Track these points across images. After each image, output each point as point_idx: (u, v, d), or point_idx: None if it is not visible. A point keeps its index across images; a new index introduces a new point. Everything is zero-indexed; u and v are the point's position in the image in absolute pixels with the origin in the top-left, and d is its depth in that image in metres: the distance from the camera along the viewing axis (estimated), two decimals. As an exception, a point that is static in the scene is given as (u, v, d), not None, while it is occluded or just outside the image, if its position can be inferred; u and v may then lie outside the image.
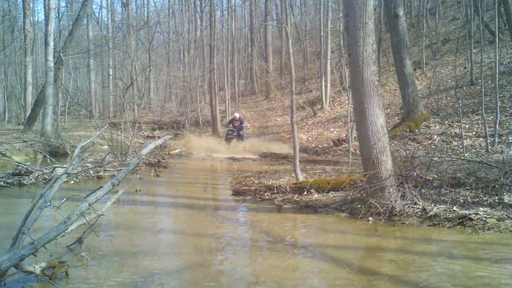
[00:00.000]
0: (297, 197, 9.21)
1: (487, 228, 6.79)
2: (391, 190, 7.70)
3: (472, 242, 6.36)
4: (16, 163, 13.14)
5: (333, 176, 10.89)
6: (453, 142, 13.81)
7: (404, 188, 7.83)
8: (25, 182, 11.79)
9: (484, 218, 6.98)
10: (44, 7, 26.39)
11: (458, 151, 12.93)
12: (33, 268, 5.01)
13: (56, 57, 22.57)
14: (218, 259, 6.20)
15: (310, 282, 5.24)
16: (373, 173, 7.78)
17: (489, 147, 12.50)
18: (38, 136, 20.85)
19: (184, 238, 7.35)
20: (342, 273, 5.34)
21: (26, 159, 16.05)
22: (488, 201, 7.73)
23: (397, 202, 7.59)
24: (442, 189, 8.36)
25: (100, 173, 12.83)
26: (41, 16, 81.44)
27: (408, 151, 9.55)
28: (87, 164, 13.34)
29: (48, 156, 13.54)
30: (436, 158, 10.63)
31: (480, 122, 14.09)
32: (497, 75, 13.30)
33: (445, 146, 13.71)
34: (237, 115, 22.24)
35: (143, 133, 25.46)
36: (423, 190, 8.17)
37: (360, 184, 8.27)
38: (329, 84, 24.32)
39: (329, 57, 24.70)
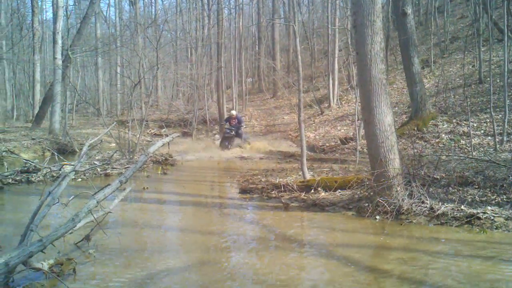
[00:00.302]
0: (304, 196, 9.20)
1: (495, 227, 6.76)
2: (398, 188, 7.68)
3: (480, 241, 6.34)
4: (24, 161, 13.21)
5: (340, 174, 10.87)
6: (461, 141, 13.74)
7: (412, 187, 7.79)
8: (33, 179, 11.84)
9: (492, 217, 6.95)
10: (52, 5, 26.49)
11: (466, 150, 12.86)
12: (41, 265, 5.04)
13: (64, 55, 22.66)
14: (225, 257, 6.20)
15: (317, 280, 5.23)
16: (380, 172, 7.75)
17: (498, 145, 12.44)
18: (46, 134, 20.94)
19: (191, 236, 7.36)
20: (349, 272, 5.33)
21: (34, 157, 16.13)
22: (496, 200, 7.70)
23: (405, 200, 7.56)
24: (450, 188, 8.33)
25: (107, 171, 12.87)
26: (49, 14, 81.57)
27: (416, 150, 9.49)
28: (95, 162, 13.39)
29: (56, 153, 13.62)
30: (444, 157, 10.58)
31: (488, 120, 14.02)
32: (505, 73, 13.21)
33: (453, 144, 13.65)
34: (234, 112, 20.48)
35: (150, 131, 25.50)
36: (430, 189, 8.13)
37: (367, 183, 8.24)
38: (336, 82, 24.24)
39: (336, 55, 24.61)
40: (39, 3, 34.12)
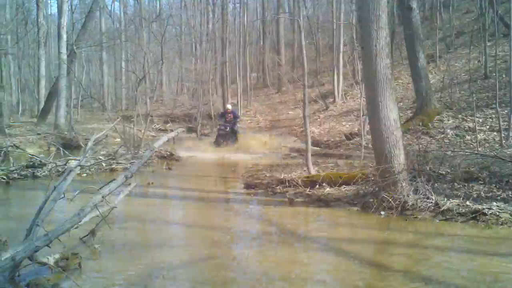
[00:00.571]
0: (309, 191, 9.18)
1: (500, 223, 6.74)
2: (403, 184, 7.67)
3: (485, 237, 6.33)
4: (29, 156, 13.24)
5: (345, 170, 10.85)
6: (467, 136, 13.68)
7: (417, 182, 7.78)
8: (38, 174, 11.87)
9: (497, 213, 6.93)
10: (57, 0, 26.49)
11: (471, 145, 12.80)
12: (46, 260, 5.05)
13: (69, 50, 22.68)
14: (230, 252, 6.22)
15: (321, 275, 5.25)
16: (385, 167, 7.74)
17: (503, 141, 12.38)
18: (51, 129, 20.99)
19: (196, 230, 7.39)
20: (354, 267, 5.33)
21: (39, 152, 16.15)
22: (502, 196, 7.68)
23: (410, 196, 7.55)
24: (455, 184, 8.31)
25: (112, 166, 12.88)
26: (54, 9, 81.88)
27: (421, 145, 9.48)
28: (100, 157, 13.40)
29: (61, 148, 13.66)
30: (449, 152, 10.54)
31: (494, 116, 13.94)
32: (511, 68, 13.13)
33: (458, 140, 13.59)
34: (229, 106, 19.76)
35: (155, 126, 25.50)
36: (436, 185, 8.12)
37: (372, 178, 8.23)
38: (341, 78, 24.16)
39: (341, 50, 24.53)
40: (44, -2, 34.14)
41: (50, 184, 6.87)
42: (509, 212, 6.96)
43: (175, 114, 29.34)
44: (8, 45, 29.63)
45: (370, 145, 11.47)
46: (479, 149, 12.08)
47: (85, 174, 11.83)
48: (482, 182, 8.37)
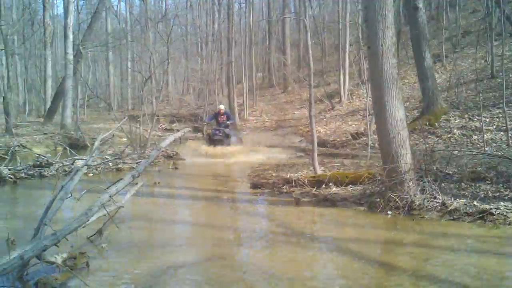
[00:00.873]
0: (315, 191, 9.17)
1: (508, 222, 6.70)
2: (410, 184, 7.65)
3: (493, 237, 6.31)
4: (36, 155, 13.32)
5: (352, 169, 10.83)
6: (473, 136, 13.64)
7: (424, 182, 7.75)
8: (45, 173, 11.93)
9: (505, 213, 6.89)
10: (63, 0, 26.59)
11: (478, 145, 12.76)
12: (54, 259, 5.07)
13: (75, 50, 22.78)
14: (236, 251, 6.23)
15: (328, 275, 5.24)
16: (392, 167, 7.72)
17: (510, 141, 12.33)
18: (58, 129, 21.10)
19: (202, 230, 7.40)
20: (361, 267, 5.32)
21: (46, 151, 16.23)
22: (509, 196, 7.64)
23: (417, 196, 7.53)
24: (462, 183, 8.28)
25: (119, 165, 12.92)
26: (60, 9, 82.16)
27: (427, 145, 9.46)
28: (107, 157, 13.44)
29: (68, 148, 13.70)
30: (456, 152, 10.50)
31: (501, 115, 13.89)
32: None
33: (465, 140, 13.55)
34: (222, 107, 18.12)
35: (161, 125, 25.56)
36: (443, 184, 8.10)
37: (379, 178, 8.21)
38: (347, 77, 24.13)
39: (347, 50, 24.52)
40: (50, -2, 34.27)
41: (57, 183, 6.92)
42: (516, 212, 6.93)
43: (181, 114, 29.42)
44: (14, 45, 29.75)
45: (376, 145, 11.47)
46: (486, 148, 12.05)
47: (91, 174, 11.87)
48: (489, 182, 8.34)
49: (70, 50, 22.15)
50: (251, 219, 7.98)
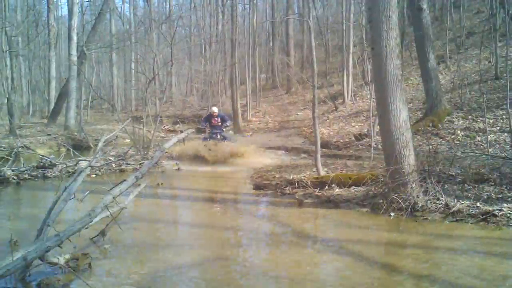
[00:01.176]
0: (318, 192, 9.15)
1: (511, 224, 6.68)
2: (413, 185, 7.63)
3: (496, 238, 6.29)
4: (40, 156, 13.34)
5: (355, 171, 10.82)
6: (477, 137, 13.61)
7: (427, 184, 7.74)
8: (49, 175, 11.94)
9: (508, 214, 6.87)
10: (68, 1, 26.65)
11: (482, 146, 12.74)
12: (57, 260, 5.08)
13: (79, 51, 22.85)
14: (239, 253, 6.23)
15: (330, 276, 5.24)
16: (395, 168, 7.70)
17: (514, 142, 12.31)
18: (61, 130, 21.17)
19: (205, 231, 7.40)
20: (364, 268, 5.31)
21: (49, 152, 16.28)
22: (513, 197, 7.62)
23: (420, 197, 7.52)
24: (466, 185, 8.25)
25: (122, 167, 12.93)
26: (64, 11, 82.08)
27: (431, 146, 9.42)
28: (110, 158, 13.46)
29: (71, 149, 13.73)
30: (459, 153, 10.47)
31: (505, 117, 13.85)
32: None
33: (468, 141, 13.52)
34: (215, 109, 16.86)
35: (164, 127, 25.61)
36: (446, 186, 8.08)
37: (382, 179, 8.20)
38: (351, 78, 24.11)
39: (351, 51, 24.49)
40: (55, 0, 34.42)
41: (61, 184, 6.92)
42: (520, 213, 6.91)
43: (184, 115, 29.45)
44: (19, 47, 29.89)
45: (379, 146, 11.46)
46: (490, 150, 12.02)
47: (94, 175, 11.88)
48: (493, 183, 8.30)
49: (74, 52, 22.22)
50: (254, 220, 7.98)
